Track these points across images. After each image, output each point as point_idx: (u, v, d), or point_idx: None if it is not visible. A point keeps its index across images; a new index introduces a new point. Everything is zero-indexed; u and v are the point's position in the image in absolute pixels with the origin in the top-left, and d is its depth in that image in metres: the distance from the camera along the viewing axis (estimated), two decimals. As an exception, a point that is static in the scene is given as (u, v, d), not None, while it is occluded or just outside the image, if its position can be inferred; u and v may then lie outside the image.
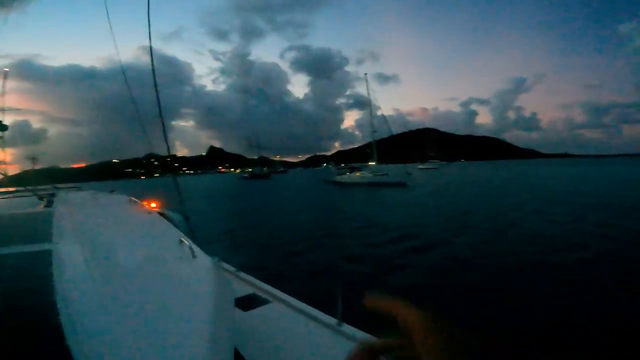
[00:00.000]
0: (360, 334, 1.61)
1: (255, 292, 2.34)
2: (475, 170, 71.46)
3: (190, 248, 1.15)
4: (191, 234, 3.66)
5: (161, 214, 3.99)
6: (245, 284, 2.49)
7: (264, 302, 2.17)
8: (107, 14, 2.94)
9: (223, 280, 1.10)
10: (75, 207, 1.64)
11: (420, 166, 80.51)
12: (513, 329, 3.72)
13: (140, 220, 1.53)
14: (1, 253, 0.99)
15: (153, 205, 4.33)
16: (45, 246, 1.03)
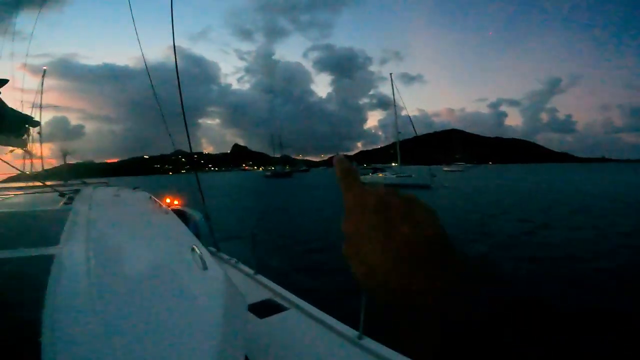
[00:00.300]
0: (384, 350, 1.51)
1: (272, 298, 2.28)
2: (504, 173, 68.61)
3: (202, 258, 1.09)
4: (211, 232, 3.69)
5: (182, 211, 4.05)
6: (262, 288, 2.44)
7: (281, 308, 2.10)
8: (132, 17, 2.99)
9: (235, 295, 1.03)
10: (93, 206, 1.64)
11: (446, 168, 78.33)
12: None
13: (155, 222, 1.50)
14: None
15: (176, 202, 4.41)
16: (49, 250, 1.01)
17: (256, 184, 47.85)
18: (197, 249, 1.12)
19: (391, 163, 36.84)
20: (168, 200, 4.31)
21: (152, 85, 3.24)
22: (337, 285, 5.52)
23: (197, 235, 3.59)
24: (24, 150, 3.65)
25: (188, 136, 3.21)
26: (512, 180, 40.05)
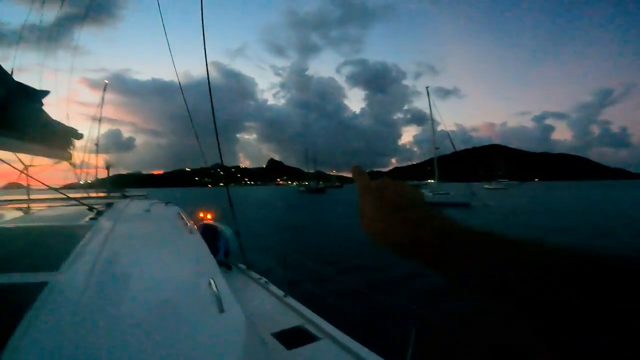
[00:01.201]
0: None
1: (303, 325, 2.10)
2: (552, 191, 63.44)
3: (219, 297, 0.89)
4: (241, 249, 3.59)
5: (213, 227, 4.00)
6: (292, 313, 2.25)
7: (312, 338, 1.92)
8: (166, 36, 3.02)
9: (255, 346, 0.82)
10: (117, 223, 1.56)
11: (487, 186, 74.32)
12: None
13: (176, 245, 1.36)
14: None
15: (208, 216, 4.38)
16: (42, 277, 0.88)
17: (290, 199, 48.38)
18: (213, 285, 0.92)
19: (427, 180, 35.57)
20: (201, 215, 4.29)
21: (186, 103, 3.25)
22: (376, 313, 5.11)
23: (227, 252, 3.51)
24: (69, 162, 3.78)
25: (219, 151, 3.17)
26: (561, 198, 36.92)
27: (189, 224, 1.69)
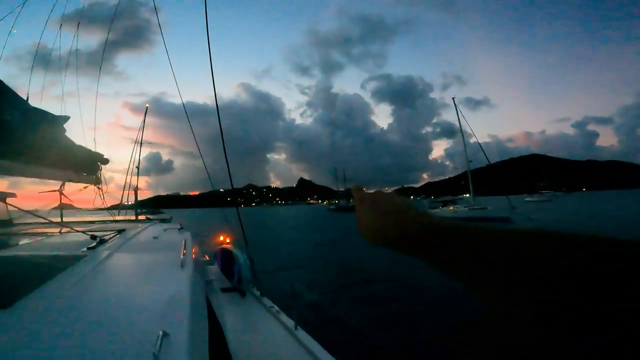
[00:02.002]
0: None
1: None
2: (601, 201, 57.72)
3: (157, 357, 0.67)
4: (254, 276, 3.45)
5: (229, 252, 3.90)
6: (300, 348, 2.04)
7: None
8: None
9: None
10: (113, 253, 1.46)
11: (528, 198, 69.67)
12: None
13: (156, 283, 1.18)
14: None
15: (227, 241, 4.31)
16: None
17: (319, 218, 48.16)
18: (159, 342, 0.69)
19: (462, 194, 33.94)
20: (221, 238, 4.23)
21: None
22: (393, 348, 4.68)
23: (239, 279, 3.39)
24: (97, 187, 3.89)
25: (229, 172, 3.09)
26: (614, 208, 33.51)
27: (183, 256, 1.52)
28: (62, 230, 2.26)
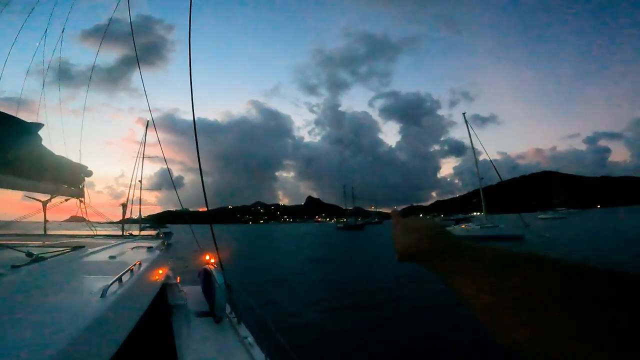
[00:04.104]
0: None
1: None
2: (619, 218, 55.76)
3: None
4: (232, 301, 3.18)
5: (209, 273, 3.59)
6: None
7: None
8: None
9: None
10: (33, 276, 1.19)
11: (542, 216, 67.85)
12: None
13: (62, 321, 0.92)
14: None
15: (212, 261, 3.99)
16: None
17: (327, 237, 47.56)
18: None
19: (472, 212, 33.07)
20: (207, 258, 3.92)
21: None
22: None
23: (212, 304, 3.08)
24: (80, 200, 3.66)
25: (204, 189, 2.81)
26: (629, 225, 32.13)
27: (117, 282, 1.22)
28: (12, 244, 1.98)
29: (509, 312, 0.28)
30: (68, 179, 3.34)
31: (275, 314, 7.41)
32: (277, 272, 14.98)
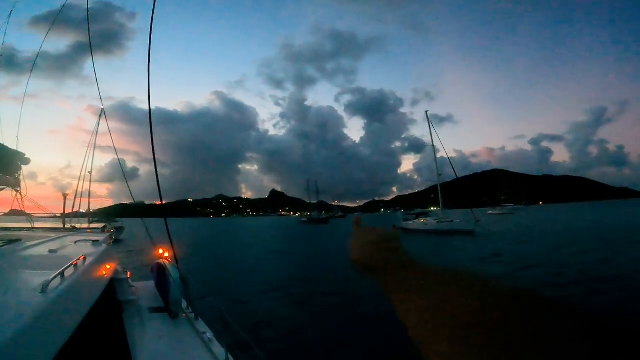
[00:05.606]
0: None
1: None
2: (558, 213, 62.54)
3: None
4: (188, 297, 3.08)
5: (163, 267, 3.45)
6: None
7: None
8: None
9: None
10: None
11: (491, 211, 72.88)
12: None
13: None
14: None
15: (166, 254, 3.82)
16: None
17: (291, 230, 47.50)
18: None
19: (431, 207, 34.76)
20: (160, 251, 3.74)
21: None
22: None
23: (166, 299, 2.97)
24: (15, 190, 3.31)
25: (158, 183, 2.68)
26: (569, 221, 35.85)
27: (58, 277, 1.12)
28: None
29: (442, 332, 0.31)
30: (5, 167, 3.01)
31: (235, 307, 7.30)
32: (237, 265, 14.74)
